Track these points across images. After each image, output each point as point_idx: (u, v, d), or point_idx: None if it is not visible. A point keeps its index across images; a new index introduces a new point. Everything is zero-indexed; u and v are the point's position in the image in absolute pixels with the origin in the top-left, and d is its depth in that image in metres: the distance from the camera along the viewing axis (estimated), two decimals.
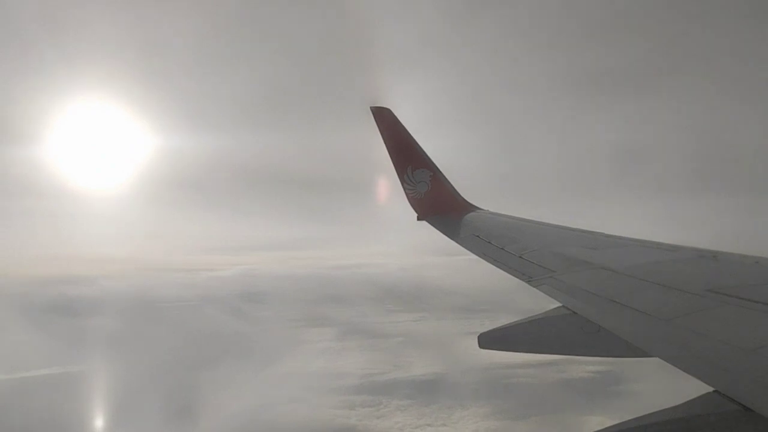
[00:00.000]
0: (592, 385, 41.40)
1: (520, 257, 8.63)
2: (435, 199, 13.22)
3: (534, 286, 7.11)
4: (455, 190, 13.55)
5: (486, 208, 13.35)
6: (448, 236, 11.46)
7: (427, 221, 12.99)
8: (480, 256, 9.46)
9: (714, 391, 3.77)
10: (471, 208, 13.39)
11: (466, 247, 10.32)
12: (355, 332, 63.69)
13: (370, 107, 12.99)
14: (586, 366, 43.54)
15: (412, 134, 13.15)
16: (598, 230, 9.48)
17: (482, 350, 6.27)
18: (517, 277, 7.72)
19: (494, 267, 8.64)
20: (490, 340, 6.45)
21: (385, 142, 13.06)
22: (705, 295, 5.31)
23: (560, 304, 6.24)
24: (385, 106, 13.00)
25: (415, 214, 13.33)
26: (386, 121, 12.94)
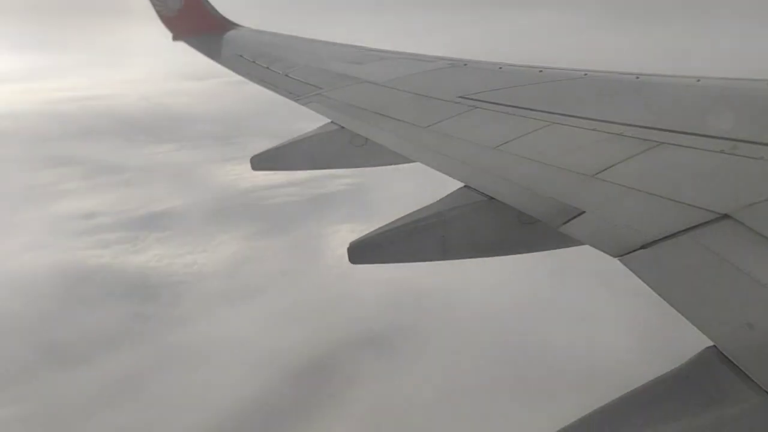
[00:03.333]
0: (348, 197, 44.58)
1: (287, 75, 8.55)
2: (190, 16, 12.04)
3: (302, 105, 7.19)
4: (212, 6, 12.47)
5: (247, 25, 12.68)
6: (209, 57, 10.77)
7: (184, 41, 11.94)
8: (244, 77, 9.17)
9: (465, 186, 4.35)
10: (231, 26, 12.57)
11: (229, 68, 9.87)
12: (102, 169, 58.14)
13: None
14: (343, 179, 46.47)
15: None
16: (361, 44, 9.70)
17: (244, 174, 6.34)
18: (285, 96, 7.71)
19: (259, 87, 8.48)
20: (262, 162, 6.52)
21: None
22: (457, 101, 5.90)
23: (329, 121, 6.46)
24: None
25: (170, 35, 12.12)
26: None
